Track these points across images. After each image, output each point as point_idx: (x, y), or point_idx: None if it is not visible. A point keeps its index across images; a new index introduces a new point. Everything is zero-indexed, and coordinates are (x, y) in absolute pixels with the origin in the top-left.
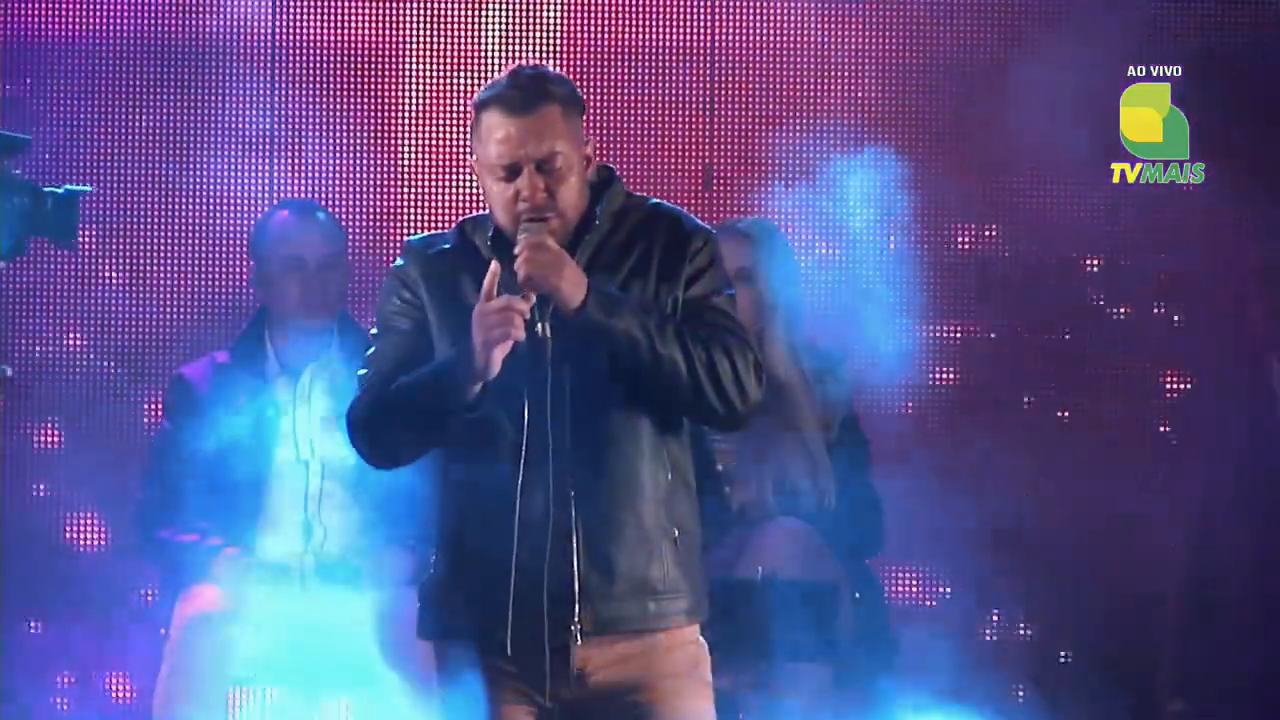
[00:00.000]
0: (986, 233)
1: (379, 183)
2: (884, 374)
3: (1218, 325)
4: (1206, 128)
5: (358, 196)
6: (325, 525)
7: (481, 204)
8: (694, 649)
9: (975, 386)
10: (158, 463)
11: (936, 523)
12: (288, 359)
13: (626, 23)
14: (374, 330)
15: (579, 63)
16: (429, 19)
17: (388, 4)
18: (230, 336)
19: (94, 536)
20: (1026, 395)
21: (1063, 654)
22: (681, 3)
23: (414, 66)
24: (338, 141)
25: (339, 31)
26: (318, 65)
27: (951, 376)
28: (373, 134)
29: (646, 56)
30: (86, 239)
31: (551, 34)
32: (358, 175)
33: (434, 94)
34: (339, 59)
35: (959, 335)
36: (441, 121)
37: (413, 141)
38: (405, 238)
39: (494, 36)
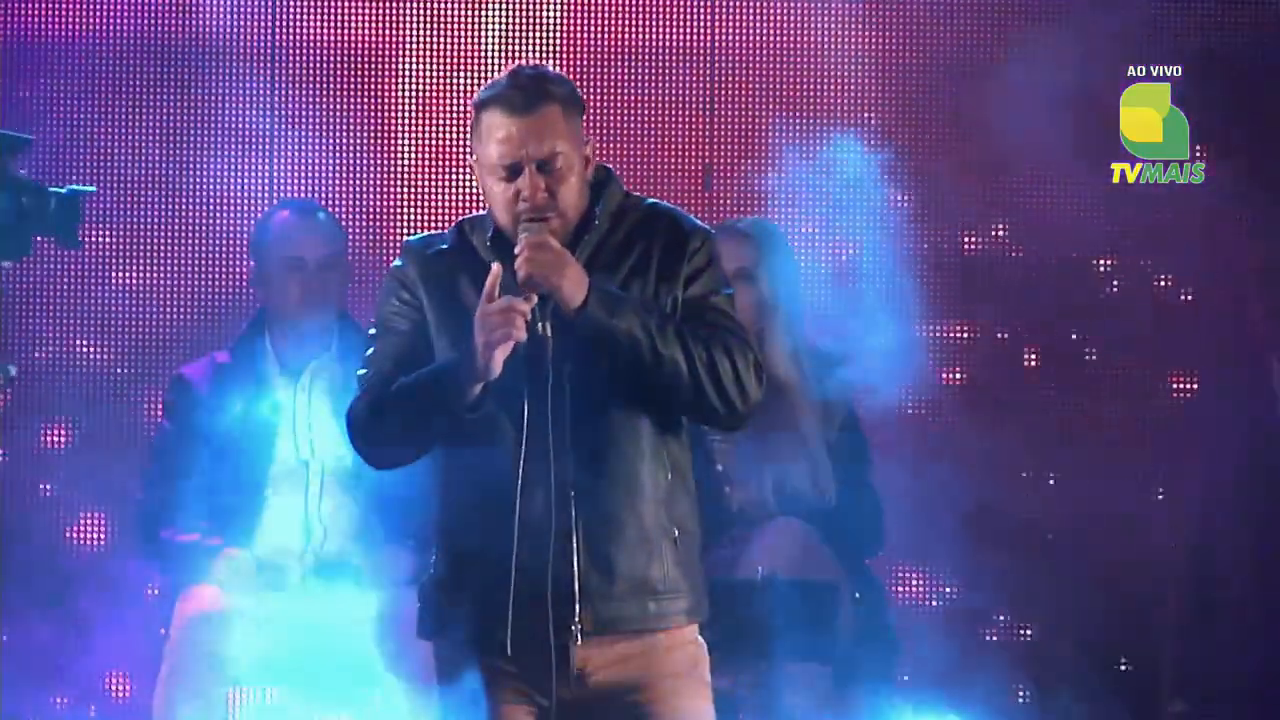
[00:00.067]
0: (986, 233)
1: (379, 183)
2: (885, 375)
3: (1218, 325)
4: (1206, 128)
5: (357, 196)
6: (325, 525)
7: (481, 204)
8: (693, 649)
9: (975, 387)
10: (158, 463)
11: (939, 523)
12: (288, 359)
13: (626, 23)
14: (373, 330)
15: (579, 63)
16: (428, 19)
17: (387, 4)
18: (230, 336)
19: (95, 535)
20: (1026, 395)
21: (1063, 654)
22: (681, 3)
23: (413, 66)
24: (338, 141)
25: (339, 31)
26: (317, 65)
27: (951, 377)
28: (372, 134)
29: (646, 56)
30: (86, 239)
31: (551, 34)
32: (358, 175)
33: (434, 94)
34: (339, 59)
35: (959, 336)
36: (441, 121)
37: (412, 141)
38: (404, 238)
39: (494, 36)
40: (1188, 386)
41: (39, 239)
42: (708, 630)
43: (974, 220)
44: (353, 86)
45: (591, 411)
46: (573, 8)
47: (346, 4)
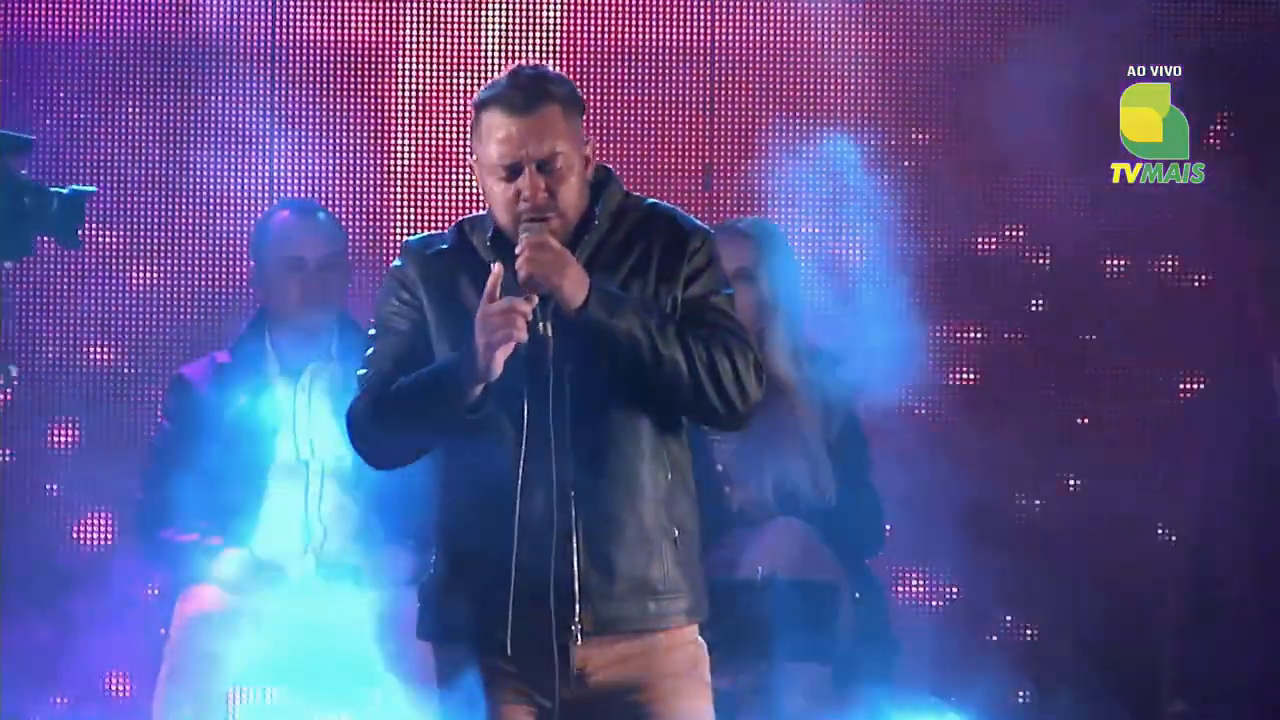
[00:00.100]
0: (985, 233)
1: (378, 183)
2: (885, 375)
3: (1218, 325)
4: (1206, 128)
5: (357, 196)
6: (325, 525)
7: (481, 204)
8: (693, 649)
9: (974, 387)
10: (158, 463)
11: (939, 523)
12: (288, 359)
13: (626, 23)
14: (372, 330)
15: (579, 63)
16: (428, 19)
17: (387, 4)
18: (230, 336)
19: (97, 535)
20: (1025, 395)
21: (1063, 654)
22: (681, 3)
23: (413, 66)
24: (338, 141)
25: (338, 32)
26: (317, 65)
27: (951, 377)
28: (372, 134)
29: (646, 56)
30: (86, 239)
31: (551, 34)
32: (357, 175)
33: (434, 94)
34: (338, 59)
35: (959, 336)
36: (441, 121)
37: (412, 141)
38: (404, 238)
39: (494, 36)
40: (1188, 386)
41: (40, 239)
42: (708, 630)
43: (973, 220)
44: (352, 86)
45: (592, 411)
46: (573, 8)
47: (346, 4)
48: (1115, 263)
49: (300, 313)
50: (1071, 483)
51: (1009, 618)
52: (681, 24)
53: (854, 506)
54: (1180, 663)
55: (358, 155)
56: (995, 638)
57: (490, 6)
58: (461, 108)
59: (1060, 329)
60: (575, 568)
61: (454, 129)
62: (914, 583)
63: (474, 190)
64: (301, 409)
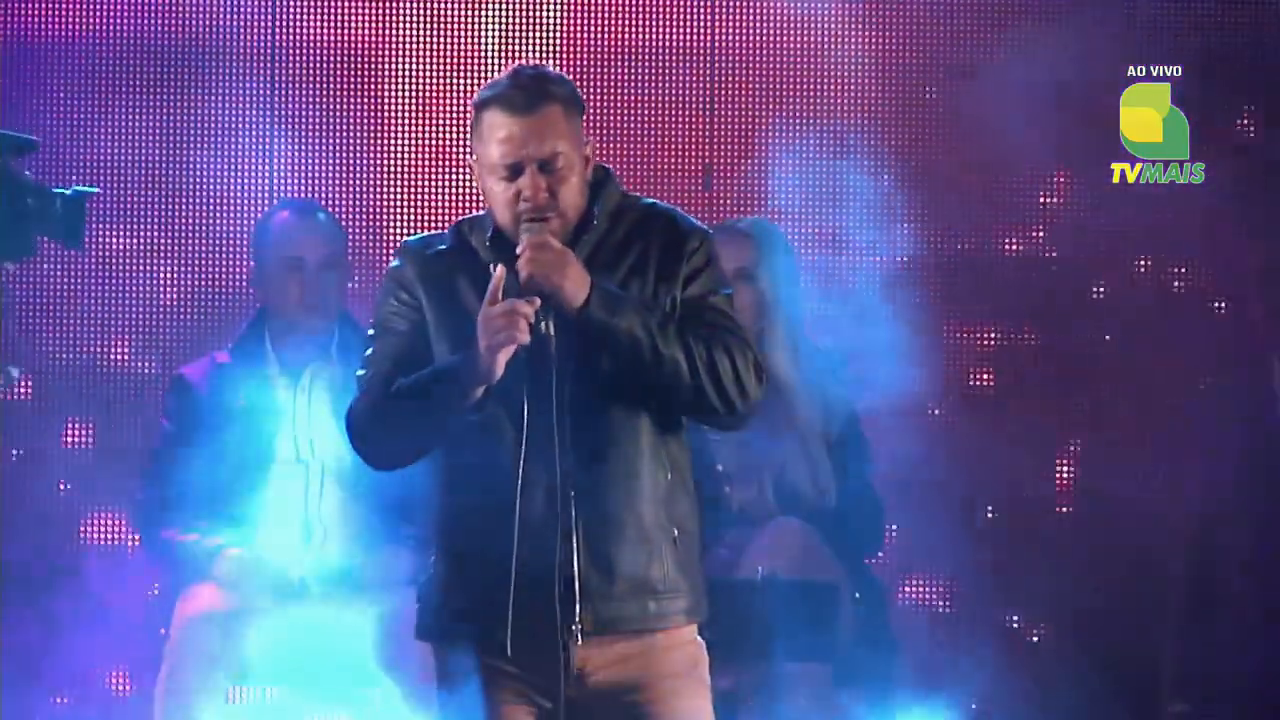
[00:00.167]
0: (985, 233)
1: (378, 183)
2: (885, 375)
3: (1218, 325)
4: (1206, 128)
5: (358, 196)
6: (325, 525)
7: (481, 204)
8: (693, 649)
9: (974, 387)
10: (158, 463)
11: (940, 523)
12: (288, 359)
13: (626, 23)
14: (371, 331)
15: (579, 63)
16: (428, 19)
17: (387, 4)
18: (230, 336)
19: (100, 536)
20: (1024, 395)
21: (1063, 654)
22: (681, 3)
23: (413, 67)
24: (338, 141)
25: (338, 32)
26: (317, 65)
27: (951, 378)
28: (372, 134)
29: (646, 56)
30: (86, 239)
31: (551, 34)
32: (358, 175)
33: (434, 94)
34: (338, 59)
35: (959, 336)
36: (441, 121)
37: (412, 141)
38: (404, 238)
39: (493, 36)
40: (1188, 386)
41: (43, 240)
42: (707, 630)
43: (972, 220)
44: (353, 87)
45: (592, 411)
46: (573, 8)
47: (346, 4)
48: (1115, 263)
49: (300, 313)
50: (1071, 483)
51: (1008, 618)
52: (681, 24)
53: (854, 506)
54: (1180, 663)
55: (357, 155)
56: (995, 638)
57: (490, 6)
58: (461, 108)
59: (1060, 329)
60: (575, 567)
61: (454, 129)
62: (915, 583)
63: (474, 190)
64: (301, 409)
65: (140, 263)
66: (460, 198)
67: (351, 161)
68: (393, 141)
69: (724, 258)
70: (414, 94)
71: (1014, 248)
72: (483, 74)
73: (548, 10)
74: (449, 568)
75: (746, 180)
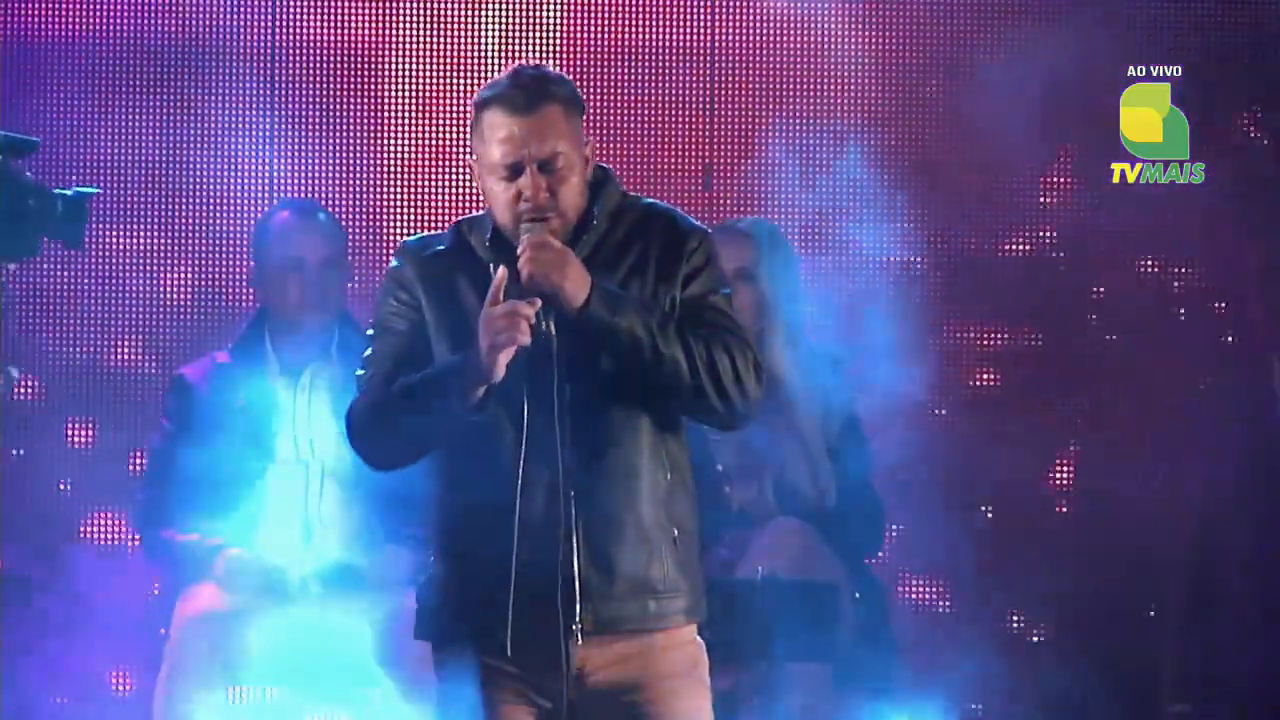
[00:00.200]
0: (985, 233)
1: (378, 183)
2: (885, 375)
3: (1218, 325)
4: (1206, 128)
5: (358, 196)
6: (325, 525)
7: (481, 204)
8: (692, 649)
9: (974, 388)
10: (157, 463)
11: (940, 524)
12: (288, 359)
13: (626, 23)
14: (371, 331)
15: (579, 63)
16: (428, 19)
17: (387, 4)
18: (230, 336)
19: (98, 534)
20: (1024, 396)
21: (1063, 654)
22: (681, 3)
23: (414, 67)
24: (338, 141)
25: (338, 32)
26: (317, 65)
27: (951, 378)
28: (373, 134)
29: (646, 56)
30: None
31: (551, 34)
32: (358, 175)
33: (434, 94)
34: (339, 59)
35: (959, 336)
36: (441, 121)
37: (412, 141)
38: (403, 238)
39: (493, 36)
40: (1188, 386)
41: (44, 240)
42: (707, 630)
43: (973, 220)
44: (352, 87)
45: (592, 411)
46: (573, 8)
47: (346, 4)
48: (1115, 263)
49: (300, 313)
50: (1071, 483)
51: (1008, 618)
52: (681, 24)
53: (854, 506)
54: (1180, 663)
55: (357, 155)
56: (995, 638)
57: (490, 6)
58: (461, 108)
59: (1060, 329)
60: (575, 567)
61: (454, 129)
62: (915, 583)
63: (473, 190)
64: (301, 409)
65: (140, 263)
66: (460, 198)
67: (351, 161)
68: (393, 141)
69: (724, 258)
70: (414, 94)
71: (1014, 248)
72: (483, 74)
73: (548, 10)
74: (449, 568)
75: (746, 180)
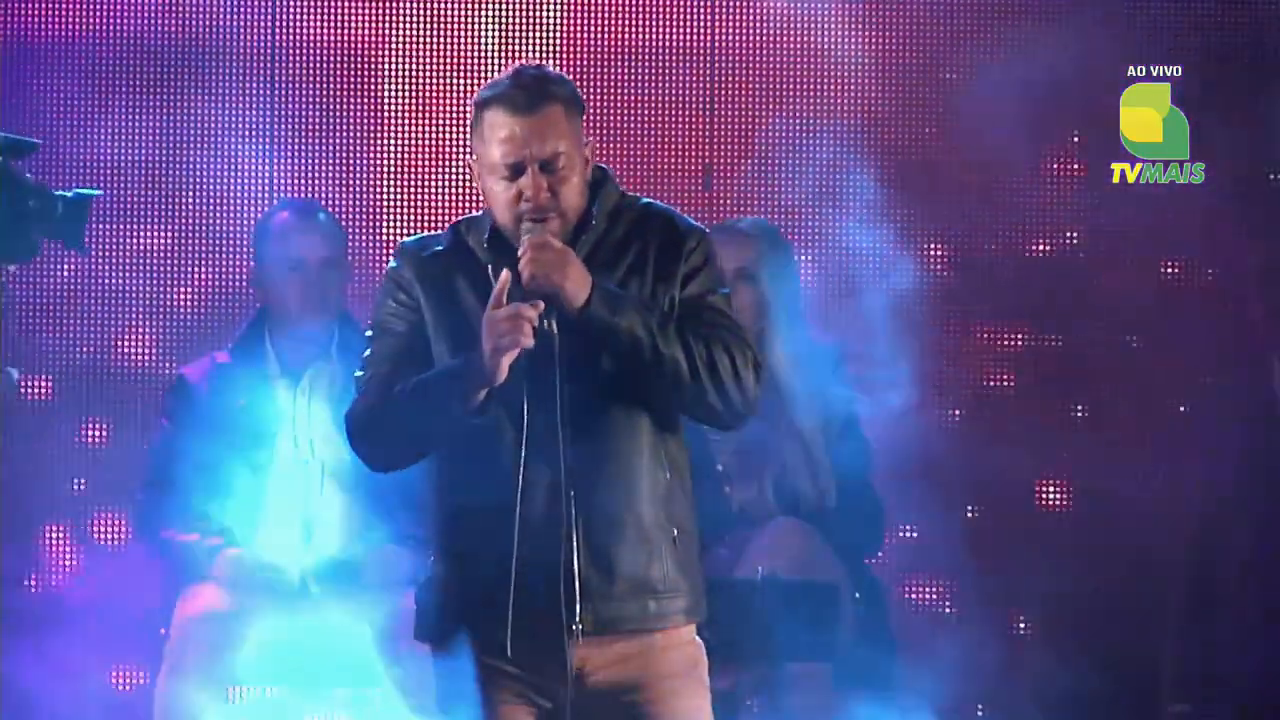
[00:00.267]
0: (985, 233)
1: (379, 183)
2: (885, 375)
3: (1218, 325)
4: (1206, 128)
5: (358, 196)
6: (325, 525)
7: (481, 204)
8: (691, 649)
9: (974, 388)
10: (157, 463)
11: (940, 524)
12: (288, 359)
13: (626, 23)
14: (370, 332)
15: (579, 63)
16: (428, 19)
17: (386, 4)
18: (230, 336)
19: (99, 534)
20: (1024, 396)
21: (1063, 654)
22: (681, 3)
23: (413, 67)
24: (338, 141)
25: (338, 32)
26: (317, 65)
27: (952, 378)
28: (372, 134)
29: (646, 56)
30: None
31: (551, 34)
32: (358, 175)
33: (433, 94)
34: (338, 59)
35: (959, 336)
36: (441, 122)
37: (413, 142)
38: (403, 238)
39: (493, 36)
40: (1188, 386)
41: (46, 242)
42: (707, 630)
43: (973, 220)
44: (352, 87)
45: (592, 411)
46: (573, 8)
47: (346, 4)
48: (1115, 263)
49: (300, 313)
50: (1070, 483)
51: (1009, 618)
52: (681, 24)
53: (854, 506)
54: (1180, 663)
55: (357, 155)
56: (996, 638)
57: (490, 6)
58: (461, 108)
59: (1060, 329)
60: (576, 567)
61: (454, 129)
62: (915, 583)
63: (473, 190)
64: (301, 409)
65: (140, 263)
66: (460, 198)
67: (351, 161)
68: (393, 141)
69: (724, 258)
70: (414, 94)
71: (1014, 248)
72: (483, 74)
73: (548, 10)
74: (449, 568)
75: (746, 180)
